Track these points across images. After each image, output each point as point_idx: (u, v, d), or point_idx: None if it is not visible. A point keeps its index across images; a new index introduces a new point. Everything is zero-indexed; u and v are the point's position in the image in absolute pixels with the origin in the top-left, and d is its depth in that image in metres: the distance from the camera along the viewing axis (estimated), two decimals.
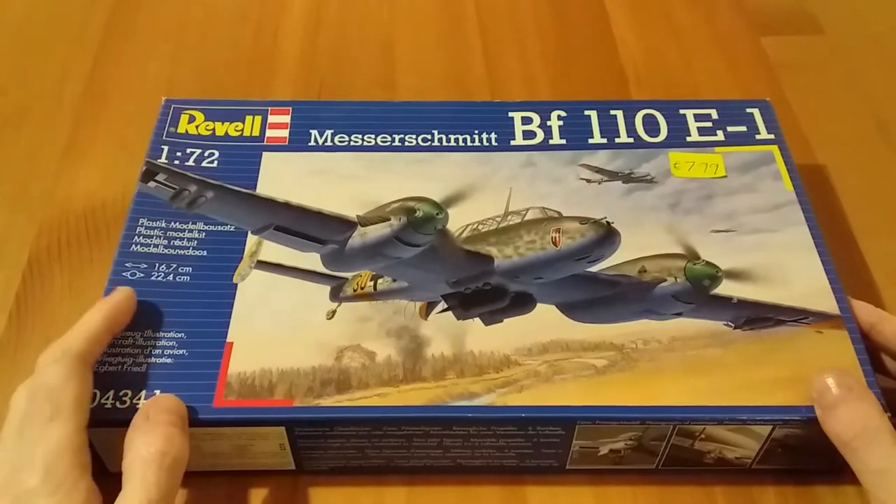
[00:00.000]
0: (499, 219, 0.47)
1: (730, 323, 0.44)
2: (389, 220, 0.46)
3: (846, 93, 0.63)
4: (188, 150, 0.50)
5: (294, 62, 0.64)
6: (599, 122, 0.52)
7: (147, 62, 0.64)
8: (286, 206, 0.48)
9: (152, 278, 0.45)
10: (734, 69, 0.64)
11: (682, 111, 0.53)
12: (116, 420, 0.39)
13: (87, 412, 0.38)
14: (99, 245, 0.53)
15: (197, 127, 0.51)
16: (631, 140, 0.52)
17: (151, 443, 0.36)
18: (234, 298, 0.44)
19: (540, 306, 0.44)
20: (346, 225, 0.47)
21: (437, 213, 0.47)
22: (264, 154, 0.50)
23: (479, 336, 0.43)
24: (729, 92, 0.62)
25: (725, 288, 0.45)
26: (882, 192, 0.57)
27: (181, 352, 0.42)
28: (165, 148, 0.50)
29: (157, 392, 0.40)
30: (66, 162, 0.58)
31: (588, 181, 0.50)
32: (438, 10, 0.69)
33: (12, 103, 0.61)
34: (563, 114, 0.53)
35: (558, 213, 0.47)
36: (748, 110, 0.53)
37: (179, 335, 0.43)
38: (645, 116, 0.53)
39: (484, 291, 0.45)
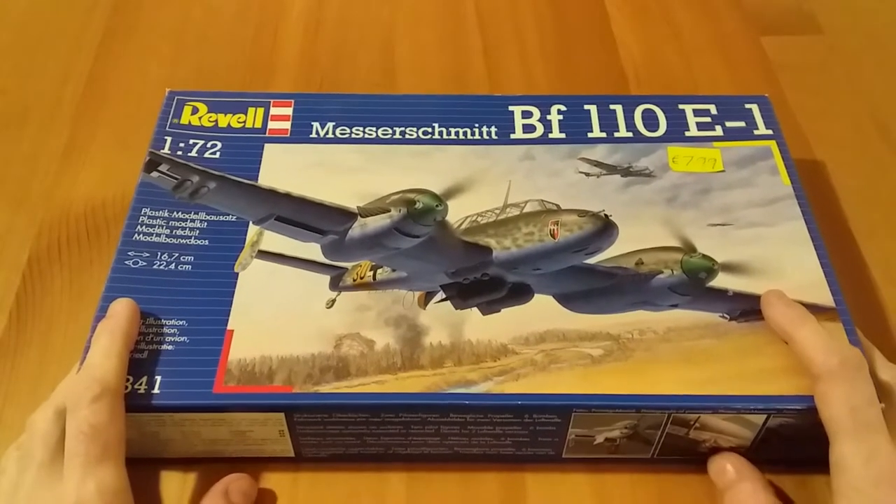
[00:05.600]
0: (498, 211, 0.48)
1: (725, 315, 0.44)
2: (389, 211, 0.47)
3: (845, 92, 0.63)
4: (191, 141, 0.51)
5: (294, 62, 0.65)
6: (599, 117, 0.53)
7: (147, 62, 0.65)
8: (287, 197, 0.48)
9: (154, 267, 0.45)
10: (734, 69, 0.65)
11: (681, 106, 0.53)
12: None
13: (124, 447, 0.39)
14: (99, 245, 0.53)
15: (200, 118, 0.52)
16: (630, 134, 0.52)
17: None
18: (235, 287, 0.45)
19: (537, 297, 0.45)
20: (347, 216, 0.47)
21: (437, 205, 0.47)
22: (266, 146, 0.51)
23: (477, 325, 0.44)
24: (728, 91, 0.62)
25: (721, 280, 0.45)
26: (880, 190, 0.57)
27: (182, 339, 0.43)
28: (168, 139, 0.51)
29: (159, 378, 0.41)
30: (66, 162, 0.58)
31: (587, 175, 0.50)
32: (438, 9, 0.70)
33: (12, 103, 0.62)
34: (562, 108, 0.53)
35: (557, 205, 0.48)
36: (746, 106, 0.53)
37: (181, 322, 0.43)
38: (644, 111, 0.53)
39: (482, 282, 0.45)
